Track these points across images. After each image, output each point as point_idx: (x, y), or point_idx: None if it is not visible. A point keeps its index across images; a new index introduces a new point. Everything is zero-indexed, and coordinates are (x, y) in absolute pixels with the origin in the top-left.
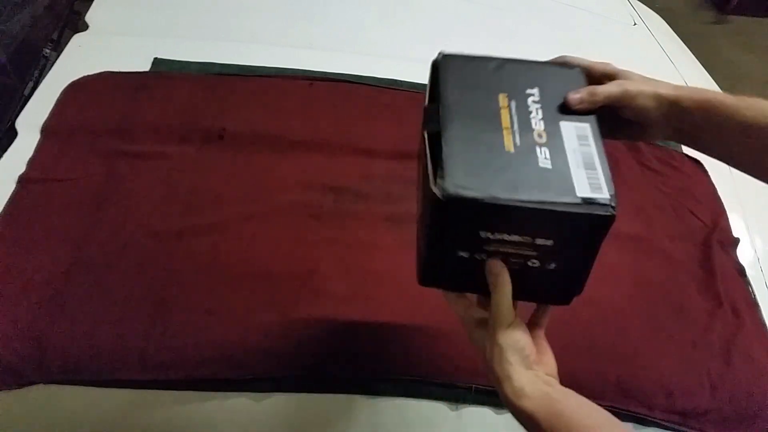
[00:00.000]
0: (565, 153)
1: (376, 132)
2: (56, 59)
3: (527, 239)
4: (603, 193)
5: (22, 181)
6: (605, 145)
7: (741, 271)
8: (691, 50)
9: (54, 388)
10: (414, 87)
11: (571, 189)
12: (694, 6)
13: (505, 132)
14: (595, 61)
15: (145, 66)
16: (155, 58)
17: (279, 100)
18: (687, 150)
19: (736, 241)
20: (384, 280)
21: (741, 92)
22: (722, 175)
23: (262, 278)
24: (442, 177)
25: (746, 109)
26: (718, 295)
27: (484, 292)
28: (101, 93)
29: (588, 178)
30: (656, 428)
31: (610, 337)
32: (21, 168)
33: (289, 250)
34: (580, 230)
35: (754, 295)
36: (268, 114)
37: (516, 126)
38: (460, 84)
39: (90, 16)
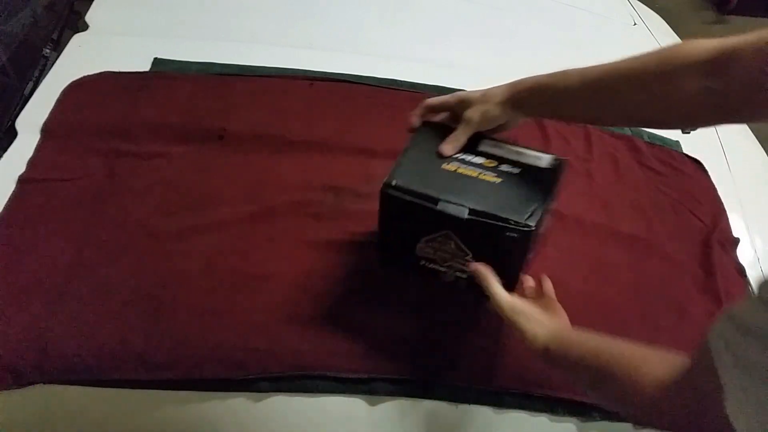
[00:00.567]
0: (502, 176)
1: (376, 132)
2: (56, 59)
3: (454, 243)
4: (522, 214)
5: (22, 181)
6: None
7: (741, 271)
8: None
9: (54, 388)
10: (414, 87)
11: (494, 203)
12: (694, 6)
13: (449, 163)
14: (445, 98)
15: (145, 66)
16: (155, 58)
17: (279, 100)
18: (687, 150)
19: (736, 241)
20: (384, 280)
21: None
22: (722, 175)
23: (262, 278)
24: (390, 177)
25: (561, 81)
26: (718, 295)
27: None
28: (101, 93)
29: (518, 198)
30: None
31: (609, 336)
32: (21, 168)
33: (288, 249)
34: (494, 240)
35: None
36: (268, 114)
37: (459, 162)
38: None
39: (90, 16)
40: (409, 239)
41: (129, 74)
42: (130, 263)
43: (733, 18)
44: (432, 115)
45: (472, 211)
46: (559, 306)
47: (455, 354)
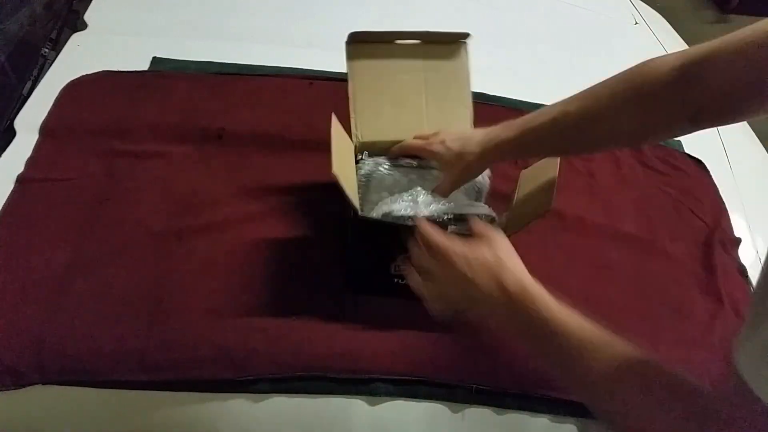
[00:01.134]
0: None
1: None
2: (55, 58)
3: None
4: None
5: (21, 181)
6: None
7: (742, 271)
8: None
9: (53, 388)
10: None
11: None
12: (695, 5)
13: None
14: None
15: (143, 65)
16: (154, 58)
17: (278, 100)
18: (689, 149)
19: (738, 241)
20: None
21: None
22: (724, 174)
23: (262, 278)
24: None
25: (529, 129)
26: (720, 295)
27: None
28: (100, 92)
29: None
30: None
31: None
32: (19, 168)
33: (288, 249)
34: None
35: None
36: (267, 113)
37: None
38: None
39: (89, 16)
40: (384, 260)
41: (128, 73)
42: (128, 263)
43: (734, 17)
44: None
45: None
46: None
47: (455, 354)
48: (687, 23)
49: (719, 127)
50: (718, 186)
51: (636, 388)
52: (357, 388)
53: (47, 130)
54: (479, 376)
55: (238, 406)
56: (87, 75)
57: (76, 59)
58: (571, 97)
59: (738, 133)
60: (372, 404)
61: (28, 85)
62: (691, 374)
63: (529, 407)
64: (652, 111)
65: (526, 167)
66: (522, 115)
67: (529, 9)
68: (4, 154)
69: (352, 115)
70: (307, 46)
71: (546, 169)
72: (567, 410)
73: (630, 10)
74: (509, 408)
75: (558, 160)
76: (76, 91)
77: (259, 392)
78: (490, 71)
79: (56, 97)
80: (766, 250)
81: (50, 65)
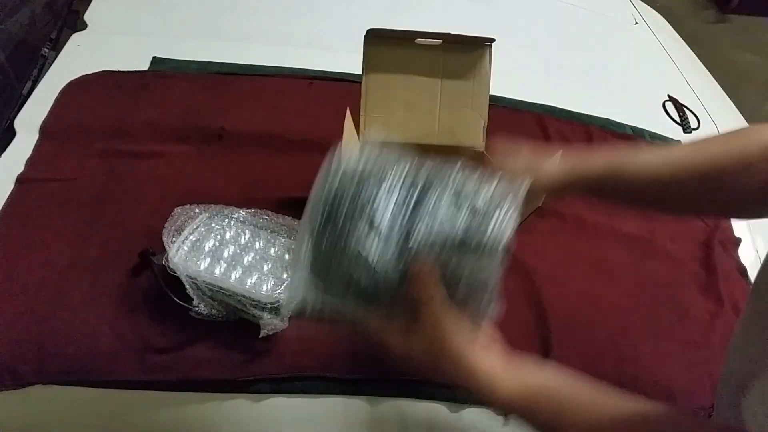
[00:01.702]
0: None
1: None
2: (55, 58)
3: None
4: None
5: (21, 181)
6: None
7: (743, 271)
8: (692, 49)
9: (53, 388)
10: None
11: None
12: (695, 5)
13: None
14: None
15: (143, 65)
16: (154, 57)
17: (278, 100)
18: None
19: (738, 241)
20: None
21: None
22: None
23: None
24: None
25: (625, 173)
26: (720, 295)
27: None
28: (100, 92)
29: None
30: None
31: (610, 337)
32: (19, 168)
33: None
34: None
35: None
36: (267, 113)
37: None
38: None
39: (89, 16)
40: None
41: (128, 73)
42: (128, 263)
43: (734, 17)
44: None
45: None
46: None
47: None
48: (687, 23)
49: (719, 127)
50: None
51: None
52: (357, 388)
53: (47, 130)
54: None
55: (237, 406)
56: (87, 75)
57: (76, 59)
58: (673, 154)
59: None
60: (372, 404)
61: (28, 85)
62: (691, 375)
63: None
64: (753, 183)
65: None
66: (523, 116)
67: (529, 9)
68: (4, 154)
69: (362, 113)
70: (306, 46)
71: None
72: None
73: (630, 10)
74: None
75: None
76: (76, 91)
77: (259, 392)
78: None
79: (56, 97)
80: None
81: (50, 65)
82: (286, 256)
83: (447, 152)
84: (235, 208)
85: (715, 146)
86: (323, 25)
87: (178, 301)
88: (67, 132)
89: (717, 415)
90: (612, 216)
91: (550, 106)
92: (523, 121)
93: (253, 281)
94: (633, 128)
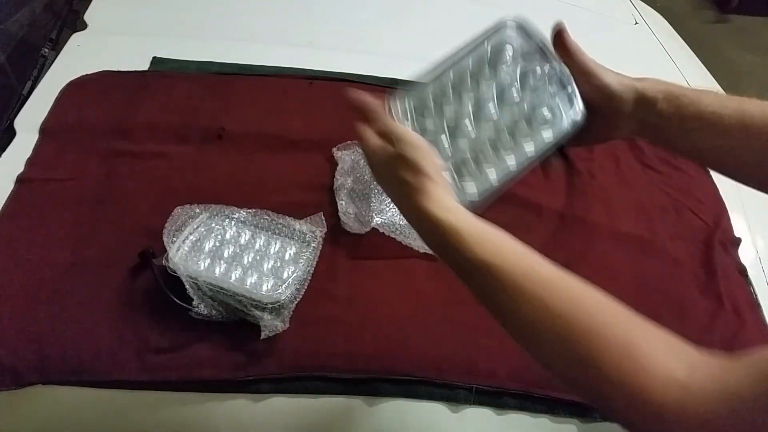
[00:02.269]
0: None
1: None
2: (55, 58)
3: None
4: None
5: (21, 181)
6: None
7: (742, 271)
8: (692, 49)
9: (53, 389)
10: None
11: None
12: (695, 5)
13: None
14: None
15: (144, 65)
16: (154, 57)
17: (278, 100)
18: None
19: (738, 241)
20: (384, 280)
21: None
22: None
23: None
24: None
25: (708, 102)
26: (720, 295)
27: None
28: (100, 92)
29: None
30: None
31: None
32: (19, 168)
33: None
34: None
35: (756, 296)
36: (267, 113)
37: None
38: None
39: (89, 15)
40: None
41: (128, 73)
42: (128, 263)
43: (734, 17)
44: None
45: None
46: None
47: (455, 355)
48: (687, 23)
49: None
50: (718, 186)
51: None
52: (357, 388)
53: (47, 130)
54: (479, 376)
55: (238, 406)
56: (87, 75)
57: (76, 59)
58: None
59: None
60: (372, 404)
61: (28, 85)
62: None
63: (529, 407)
64: None
65: None
66: None
67: (529, 8)
68: (4, 154)
69: None
70: (307, 46)
71: None
72: (567, 411)
73: (630, 9)
74: (509, 408)
75: None
76: (76, 91)
77: (260, 392)
78: None
79: (56, 97)
80: (766, 250)
81: (50, 65)
82: (286, 256)
83: None
84: (236, 208)
85: None
86: (324, 24)
87: (177, 301)
88: (67, 132)
89: None
90: (612, 216)
91: None
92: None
93: (253, 281)
94: None
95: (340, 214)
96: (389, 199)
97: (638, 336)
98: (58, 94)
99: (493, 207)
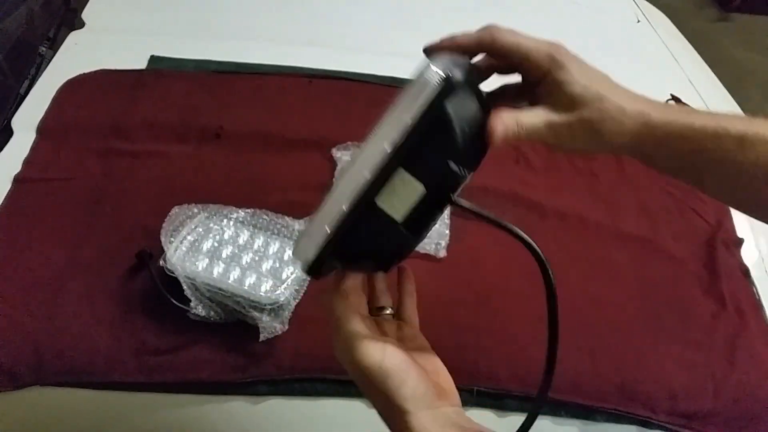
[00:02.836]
0: None
1: None
2: (52, 57)
3: None
4: None
5: (18, 180)
6: None
7: (745, 271)
8: (694, 48)
9: (50, 390)
10: None
11: None
12: (697, 4)
13: None
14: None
15: (141, 64)
16: (152, 56)
17: (277, 98)
18: None
19: (740, 241)
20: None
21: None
22: None
23: None
24: None
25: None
26: (722, 295)
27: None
28: (98, 91)
29: None
30: (660, 431)
31: (612, 338)
32: (17, 167)
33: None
34: None
35: (759, 296)
36: (266, 112)
37: None
38: None
39: (86, 14)
40: None
41: (125, 72)
42: (125, 263)
43: (737, 16)
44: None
45: None
46: (435, 357)
47: (456, 356)
48: (689, 21)
49: None
50: None
51: None
52: (356, 390)
53: (45, 129)
54: (480, 378)
55: (236, 408)
56: (85, 74)
57: (74, 58)
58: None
59: None
60: (371, 406)
61: (26, 84)
62: (694, 375)
63: (530, 409)
64: None
65: None
66: None
67: (531, 6)
68: (2, 154)
69: None
70: (306, 44)
71: None
72: (569, 412)
73: (632, 8)
74: (510, 410)
75: None
76: (73, 90)
77: (258, 394)
78: None
79: (54, 96)
80: None
81: (48, 64)
82: (285, 257)
83: None
84: (234, 207)
85: None
86: (323, 23)
87: (175, 302)
88: (65, 131)
89: None
90: (614, 215)
91: None
92: None
93: (252, 282)
94: None
95: None
96: None
97: None
98: (55, 93)
99: (495, 207)
